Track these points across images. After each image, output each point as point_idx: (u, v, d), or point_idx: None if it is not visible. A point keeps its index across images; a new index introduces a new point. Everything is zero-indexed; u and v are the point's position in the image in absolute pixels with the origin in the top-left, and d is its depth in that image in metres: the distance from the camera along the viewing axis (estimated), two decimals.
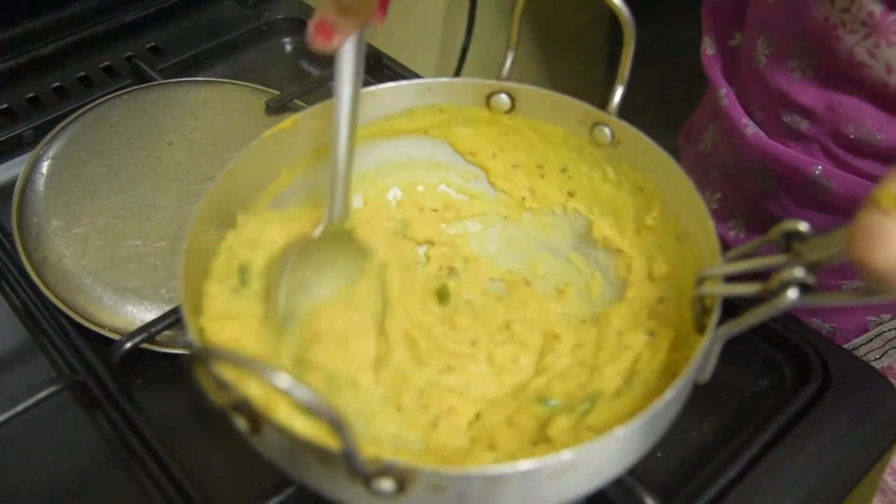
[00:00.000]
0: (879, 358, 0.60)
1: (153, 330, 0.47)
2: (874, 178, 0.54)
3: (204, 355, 0.28)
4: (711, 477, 0.43)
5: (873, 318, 0.59)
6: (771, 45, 0.56)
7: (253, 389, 0.32)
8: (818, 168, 0.55)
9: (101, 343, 0.49)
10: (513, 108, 0.47)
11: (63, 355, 0.49)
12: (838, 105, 0.53)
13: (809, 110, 0.55)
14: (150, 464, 0.44)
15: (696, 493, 0.42)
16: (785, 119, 0.56)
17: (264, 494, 0.40)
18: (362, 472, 0.29)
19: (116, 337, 0.48)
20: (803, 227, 0.31)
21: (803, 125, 0.55)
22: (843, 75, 0.51)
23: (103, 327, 0.49)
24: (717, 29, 0.63)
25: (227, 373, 0.31)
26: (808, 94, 0.54)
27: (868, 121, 0.52)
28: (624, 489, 0.41)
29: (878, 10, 0.47)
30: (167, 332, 0.48)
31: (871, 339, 0.60)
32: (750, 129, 0.59)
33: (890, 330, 0.59)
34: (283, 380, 0.25)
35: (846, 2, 0.49)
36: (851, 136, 0.53)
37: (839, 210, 0.57)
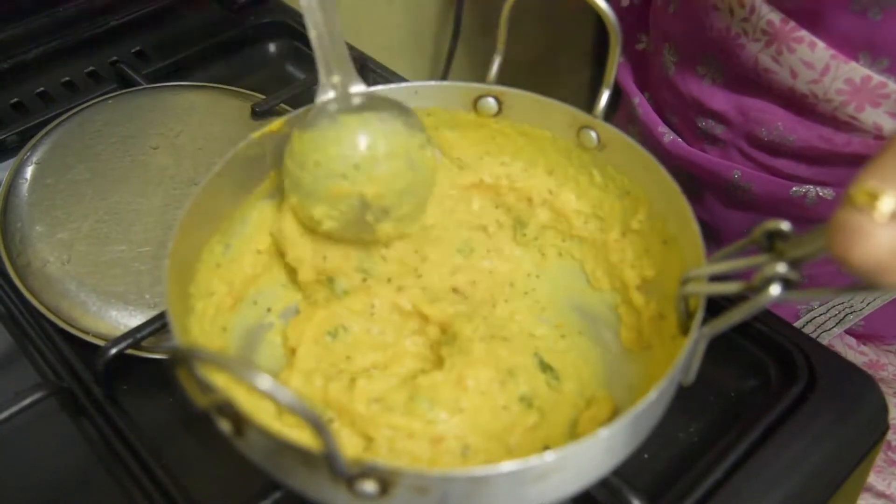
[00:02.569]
0: None
1: (139, 335, 0.47)
2: (793, 178, 0.55)
3: (185, 356, 0.28)
4: (698, 477, 0.43)
5: (803, 307, 0.60)
6: (677, 53, 0.57)
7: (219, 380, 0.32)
8: (737, 172, 0.56)
9: (87, 349, 0.48)
10: (500, 111, 0.47)
11: (48, 361, 0.49)
12: (749, 109, 0.54)
13: (722, 115, 0.56)
14: (136, 470, 0.43)
15: (683, 494, 0.42)
16: (700, 125, 0.58)
17: (251, 499, 0.40)
18: (345, 474, 0.29)
19: (101, 343, 0.47)
20: (785, 226, 0.31)
21: (718, 130, 0.57)
22: (750, 81, 0.53)
23: (87, 333, 0.49)
24: (622, 34, 0.64)
25: (210, 374, 0.31)
26: (719, 100, 0.55)
27: (779, 123, 0.53)
28: (610, 490, 0.41)
29: (776, 18, 0.48)
30: (153, 338, 0.48)
31: (804, 325, 0.61)
32: (667, 136, 0.60)
33: (820, 315, 0.60)
34: (265, 381, 0.25)
35: (745, 12, 0.50)
36: (766, 139, 0.54)
37: (763, 209, 0.58)
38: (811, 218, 0.56)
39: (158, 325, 0.47)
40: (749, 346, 0.49)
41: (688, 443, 0.46)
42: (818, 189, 0.54)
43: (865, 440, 0.47)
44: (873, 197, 0.24)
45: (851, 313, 0.59)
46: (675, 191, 0.41)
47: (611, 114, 0.72)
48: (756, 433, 0.44)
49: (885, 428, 0.47)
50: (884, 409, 0.47)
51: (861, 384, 0.47)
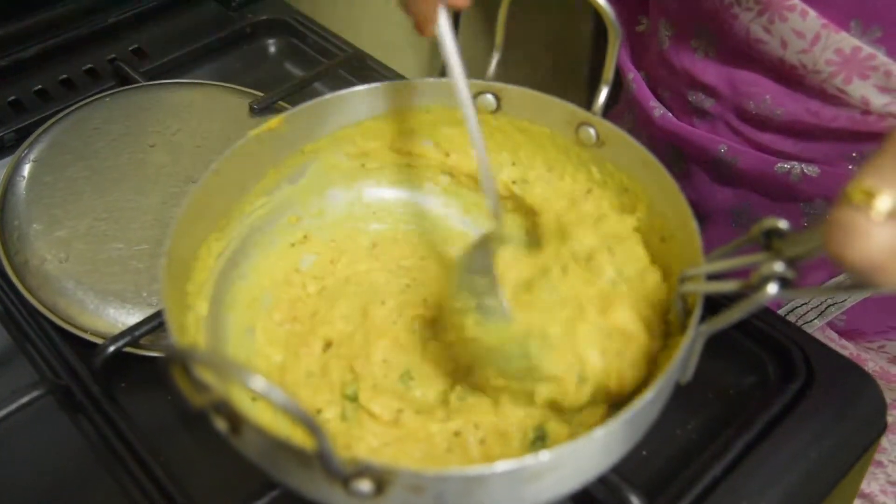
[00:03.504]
0: None
1: (137, 333, 0.47)
2: (777, 153, 0.56)
3: (180, 356, 0.28)
4: (697, 474, 0.43)
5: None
6: (672, 27, 0.58)
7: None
8: (723, 147, 0.57)
9: (85, 347, 0.48)
10: (498, 108, 0.47)
11: (46, 359, 0.49)
12: (740, 81, 0.55)
13: (713, 88, 0.56)
14: (134, 468, 0.43)
15: (682, 491, 0.42)
16: (690, 98, 0.58)
17: (249, 497, 0.40)
18: (339, 474, 0.29)
19: (98, 341, 0.47)
20: (783, 224, 0.31)
21: (708, 103, 0.57)
22: (742, 52, 0.53)
23: (85, 331, 0.49)
24: (623, 16, 0.65)
25: (205, 374, 0.31)
26: (711, 73, 0.56)
27: (768, 95, 0.53)
28: (609, 488, 0.41)
29: None
30: (151, 336, 0.48)
31: (785, 316, 0.61)
32: (658, 111, 0.61)
33: (801, 306, 0.60)
34: (259, 382, 0.25)
35: None
36: (753, 112, 0.55)
37: (747, 185, 0.58)
38: (796, 195, 0.56)
39: (156, 324, 0.47)
40: (747, 343, 0.49)
41: (686, 440, 0.46)
42: (803, 166, 0.54)
43: (863, 437, 0.46)
44: (870, 195, 0.24)
45: (833, 305, 0.59)
46: (673, 188, 0.41)
47: (612, 102, 0.73)
48: (754, 430, 0.44)
49: (884, 425, 0.47)
50: (882, 406, 0.47)
51: (859, 381, 0.47)
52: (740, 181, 0.59)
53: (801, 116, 0.52)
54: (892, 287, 0.25)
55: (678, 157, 0.61)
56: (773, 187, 0.57)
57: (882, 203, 0.24)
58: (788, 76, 0.51)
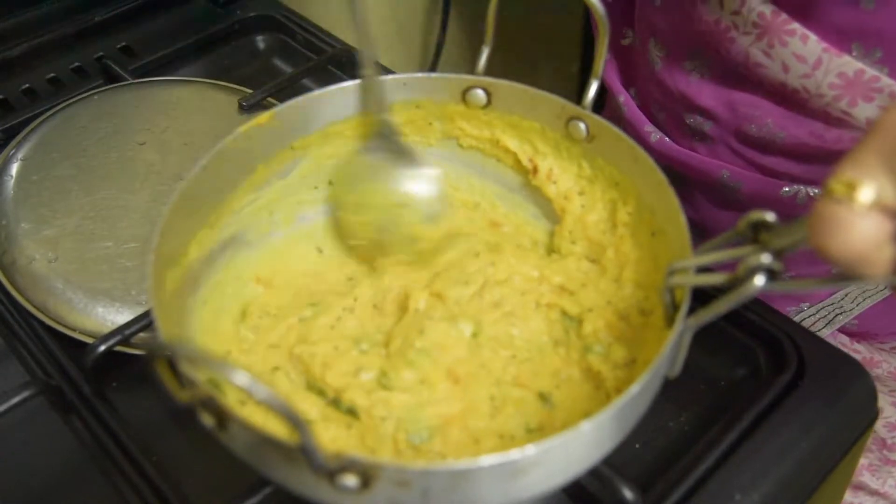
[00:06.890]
0: None
1: (127, 332, 0.47)
2: (783, 176, 0.54)
3: (164, 351, 0.28)
4: (689, 466, 0.43)
5: (793, 308, 0.60)
6: (664, 47, 0.56)
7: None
8: (726, 172, 0.55)
9: (75, 346, 0.48)
10: (489, 103, 0.47)
11: (36, 359, 0.49)
12: (739, 105, 0.53)
13: (710, 111, 0.54)
14: (126, 467, 0.43)
15: (674, 483, 0.42)
16: (688, 121, 0.56)
17: (241, 495, 0.40)
18: (324, 469, 0.29)
19: (88, 340, 0.47)
20: (770, 216, 0.31)
21: (707, 126, 0.55)
22: (740, 75, 0.51)
23: (74, 330, 0.49)
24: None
25: (191, 369, 0.31)
26: (708, 95, 0.54)
27: (769, 119, 0.52)
28: (601, 480, 0.41)
29: (767, 10, 0.47)
30: (142, 335, 0.48)
31: None
32: (654, 135, 0.59)
33: (809, 317, 0.59)
34: (242, 378, 0.25)
35: (736, 4, 0.48)
36: (755, 135, 0.53)
37: (752, 209, 0.57)
38: None
39: (147, 322, 0.47)
40: (738, 334, 0.49)
41: (678, 432, 0.46)
42: (809, 189, 0.53)
43: (855, 426, 0.47)
44: (851, 188, 0.24)
45: (841, 314, 0.58)
46: (662, 182, 0.41)
47: (598, 112, 0.72)
48: (746, 421, 0.44)
49: (875, 415, 0.47)
50: (873, 396, 0.47)
51: (850, 371, 0.47)
52: (745, 205, 0.57)
53: (803, 139, 0.51)
54: (877, 278, 0.25)
55: (678, 181, 0.60)
56: (780, 211, 0.55)
57: (863, 194, 0.24)
58: (791, 99, 0.50)
